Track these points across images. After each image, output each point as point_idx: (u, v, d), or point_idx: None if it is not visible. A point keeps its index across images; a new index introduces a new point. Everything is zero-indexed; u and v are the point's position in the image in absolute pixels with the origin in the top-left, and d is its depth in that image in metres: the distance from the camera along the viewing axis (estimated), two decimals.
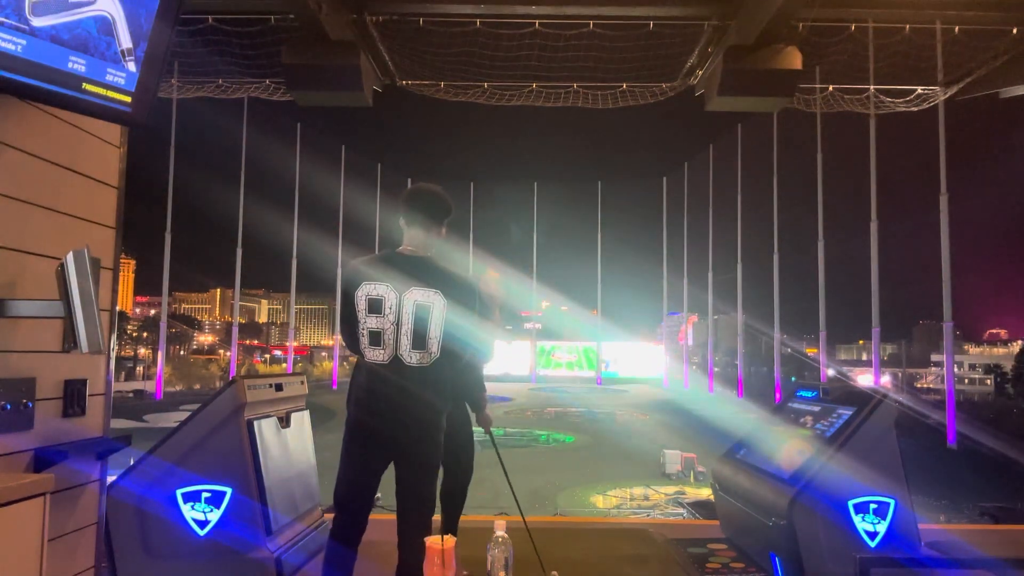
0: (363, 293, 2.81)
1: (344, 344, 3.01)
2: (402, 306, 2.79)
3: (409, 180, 41.42)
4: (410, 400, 2.79)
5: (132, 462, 3.49)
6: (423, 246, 2.95)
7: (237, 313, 48.06)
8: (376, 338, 2.79)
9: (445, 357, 2.83)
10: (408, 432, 2.81)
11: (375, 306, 2.79)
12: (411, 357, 2.79)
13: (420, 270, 2.86)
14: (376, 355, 2.80)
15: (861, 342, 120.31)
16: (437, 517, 3.59)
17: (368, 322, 2.80)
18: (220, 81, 19.28)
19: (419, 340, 2.78)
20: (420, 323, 2.78)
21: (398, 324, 2.78)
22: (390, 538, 2.93)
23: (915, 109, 19.19)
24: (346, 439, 2.92)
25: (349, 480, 2.91)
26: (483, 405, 3.98)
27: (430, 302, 2.80)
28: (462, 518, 4.72)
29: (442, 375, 2.86)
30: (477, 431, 4.20)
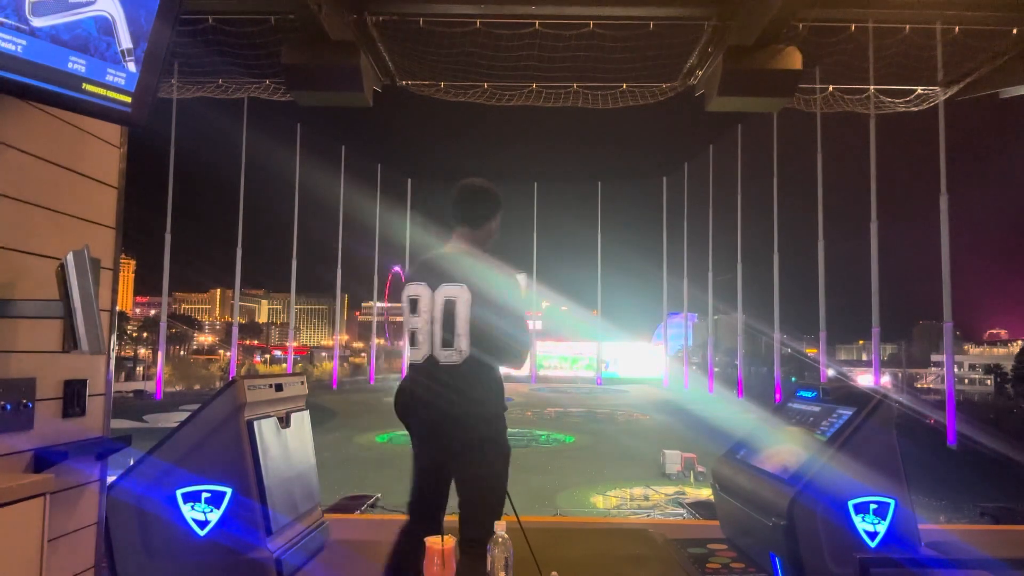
0: (406, 295, 2.83)
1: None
2: (435, 303, 2.76)
3: (409, 180, 41.51)
4: (442, 399, 2.71)
5: (132, 462, 3.50)
6: (470, 242, 2.90)
7: (237, 313, 48.07)
8: (414, 337, 2.79)
9: (476, 354, 2.73)
10: (447, 433, 2.73)
11: (414, 306, 2.80)
12: (442, 355, 2.73)
13: (453, 266, 2.81)
14: (415, 355, 2.79)
15: (861, 342, 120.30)
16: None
17: (410, 322, 2.80)
18: (220, 81, 19.28)
19: (448, 337, 2.72)
20: (448, 319, 2.73)
21: (431, 322, 2.75)
22: (390, 538, 2.93)
23: (915, 109, 19.18)
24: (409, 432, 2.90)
25: (415, 485, 2.89)
26: None
27: (455, 296, 2.73)
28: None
29: (474, 373, 2.73)
30: None
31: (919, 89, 18.45)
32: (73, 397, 2.26)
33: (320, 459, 4.25)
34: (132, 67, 2.07)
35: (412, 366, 2.81)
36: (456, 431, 2.70)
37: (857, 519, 3.60)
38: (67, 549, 2.24)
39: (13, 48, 1.76)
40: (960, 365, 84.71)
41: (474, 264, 2.81)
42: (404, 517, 2.97)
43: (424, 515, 2.86)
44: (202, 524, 3.36)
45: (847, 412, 3.90)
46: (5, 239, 2.00)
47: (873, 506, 3.60)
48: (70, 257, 1.85)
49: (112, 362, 2.48)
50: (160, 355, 34.64)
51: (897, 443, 3.76)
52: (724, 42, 15.25)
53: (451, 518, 3.96)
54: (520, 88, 18.36)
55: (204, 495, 3.37)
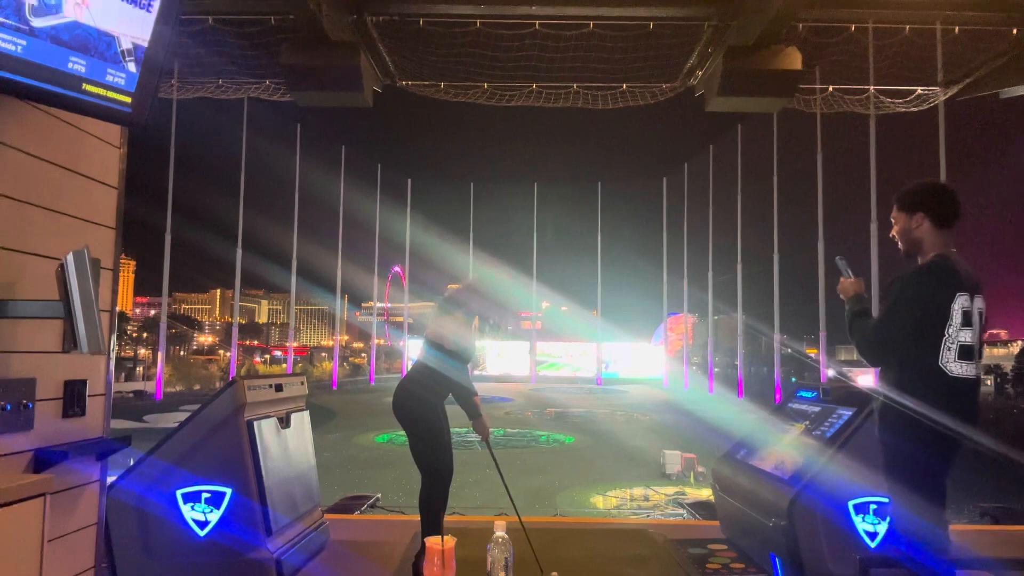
0: (959, 305, 2.66)
1: (884, 348, 2.76)
2: (979, 318, 2.70)
3: (409, 180, 41.52)
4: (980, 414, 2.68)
5: (132, 462, 3.50)
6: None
7: (237, 313, 48.07)
8: (968, 353, 2.66)
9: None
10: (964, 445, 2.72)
11: (967, 319, 2.66)
12: (979, 369, 2.71)
13: (974, 275, 2.72)
14: (966, 370, 2.66)
15: None
16: (459, 517, 3.58)
17: (962, 335, 2.66)
18: (220, 81, 19.30)
19: (980, 350, 2.71)
20: (980, 332, 2.71)
21: (979, 338, 2.70)
22: (390, 538, 2.93)
23: (915, 109, 19.19)
24: (926, 453, 2.72)
25: (937, 500, 2.78)
26: (478, 411, 3.86)
27: (983, 307, 2.71)
28: (462, 518, 4.71)
29: None
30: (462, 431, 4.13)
31: (919, 89, 18.45)
32: (73, 397, 2.25)
33: (320, 459, 4.25)
34: (132, 67, 2.07)
35: (959, 381, 2.66)
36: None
37: (857, 519, 3.60)
38: (67, 549, 2.24)
39: (13, 48, 1.76)
40: None
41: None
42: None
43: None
44: (202, 524, 3.36)
45: (847, 412, 3.90)
46: (5, 239, 2.00)
47: (873, 506, 3.60)
48: (70, 257, 1.85)
49: (112, 362, 2.48)
50: (160, 355, 34.64)
51: None
52: (724, 42, 15.25)
53: (450, 518, 3.96)
54: (520, 88, 18.36)
55: (204, 495, 3.37)
